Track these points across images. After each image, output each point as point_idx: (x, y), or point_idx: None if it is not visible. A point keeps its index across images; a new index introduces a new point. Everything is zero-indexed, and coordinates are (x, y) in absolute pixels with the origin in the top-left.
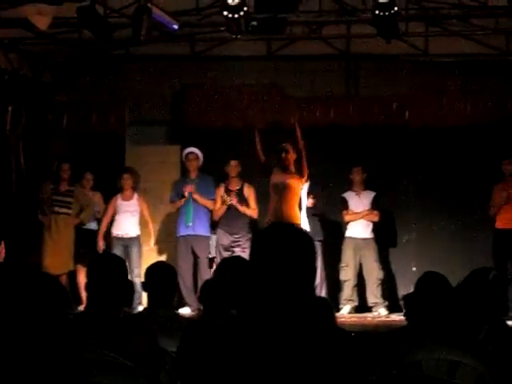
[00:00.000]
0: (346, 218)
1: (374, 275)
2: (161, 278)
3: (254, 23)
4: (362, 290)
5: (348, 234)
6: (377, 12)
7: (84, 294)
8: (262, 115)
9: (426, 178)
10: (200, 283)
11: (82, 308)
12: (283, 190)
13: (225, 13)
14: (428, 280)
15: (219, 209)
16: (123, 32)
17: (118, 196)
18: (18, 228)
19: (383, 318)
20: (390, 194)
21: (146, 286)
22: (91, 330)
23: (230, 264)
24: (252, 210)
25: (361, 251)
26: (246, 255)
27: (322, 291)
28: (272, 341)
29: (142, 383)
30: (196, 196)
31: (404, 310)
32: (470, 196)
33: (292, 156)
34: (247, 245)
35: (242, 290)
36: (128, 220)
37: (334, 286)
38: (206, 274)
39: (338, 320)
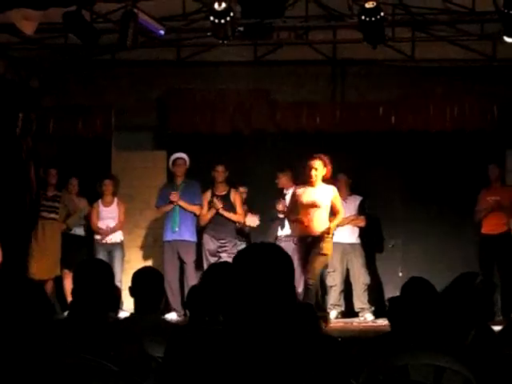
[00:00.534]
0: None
1: (360, 280)
2: (147, 283)
3: (241, 28)
4: (349, 295)
5: (335, 239)
6: (363, 17)
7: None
8: (248, 120)
9: (413, 183)
10: (186, 288)
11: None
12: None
13: (211, 18)
14: (413, 285)
15: (206, 214)
16: (109, 37)
17: (99, 202)
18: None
19: (369, 323)
20: (376, 199)
21: (132, 291)
22: (77, 335)
23: (217, 270)
24: (238, 216)
25: (347, 256)
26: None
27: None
28: (257, 349)
29: None
30: (182, 203)
31: (388, 313)
32: (457, 201)
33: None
34: (234, 250)
35: (228, 298)
36: (110, 225)
37: (321, 291)
38: (193, 279)
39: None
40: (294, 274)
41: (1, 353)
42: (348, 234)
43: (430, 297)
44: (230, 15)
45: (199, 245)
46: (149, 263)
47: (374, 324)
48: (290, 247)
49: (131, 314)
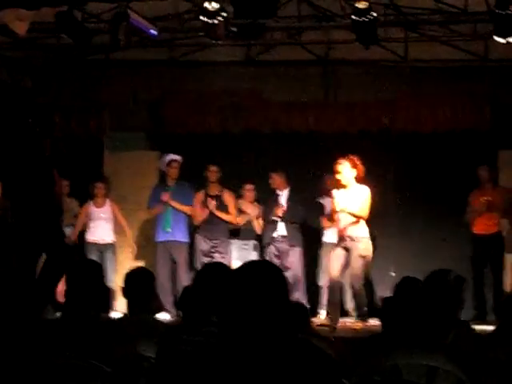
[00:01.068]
0: (325, 223)
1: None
2: (139, 283)
3: (233, 29)
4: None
5: (325, 239)
6: (355, 18)
7: (62, 300)
8: (240, 121)
9: (405, 183)
10: (179, 289)
11: (60, 314)
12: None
13: (204, 18)
14: (406, 285)
15: (200, 213)
16: (102, 37)
17: (91, 203)
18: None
19: (361, 323)
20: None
21: (124, 291)
22: (70, 335)
23: (210, 270)
24: (230, 216)
25: None
26: (225, 261)
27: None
28: (249, 353)
29: None
30: (174, 203)
31: (380, 312)
32: (449, 201)
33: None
34: (226, 250)
35: (222, 299)
36: (103, 226)
37: (312, 290)
38: (185, 279)
39: (316, 325)
40: (286, 291)
41: None
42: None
43: (422, 297)
44: (222, 15)
45: (191, 245)
46: (141, 264)
47: (366, 323)
48: (284, 248)
49: (123, 314)
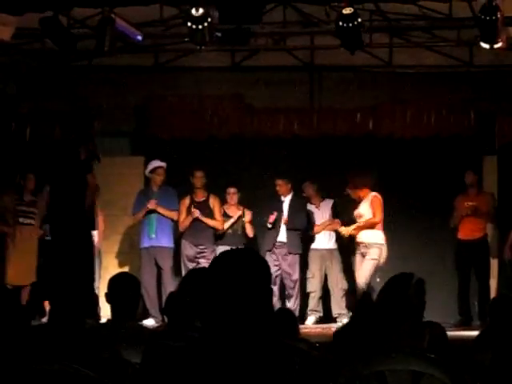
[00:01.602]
0: (314, 231)
1: (338, 286)
2: (124, 288)
3: (218, 34)
4: (327, 301)
5: (313, 245)
6: (340, 23)
7: (47, 306)
8: (225, 126)
9: (390, 188)
10: (164, 294)
11: (45, 320)
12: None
13: (189, 24)
14: (390, 290)
15: (185, 220)
16: (87, 43)
17: None
18: None
19: None
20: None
21: (109, 297)
22: (55, 341)
23: (196, 276)
24: (216, 222)
25: (326, 262)
26: None
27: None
28: (232, 357)
29: None
30: (161, 210)
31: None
32: (433, 207)
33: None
34: (212, 256)
35: (204, 305)
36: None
37: (301, 297)
38: (170, 285)
39: (303, 331)
40: (270, 279)
41: None
42: (326, 240)
43: (406, 302)
44: (207, 21)
45: (177, 251)
46: (126, 269)
47: None
48: (283, 254)
49: (108, 319)
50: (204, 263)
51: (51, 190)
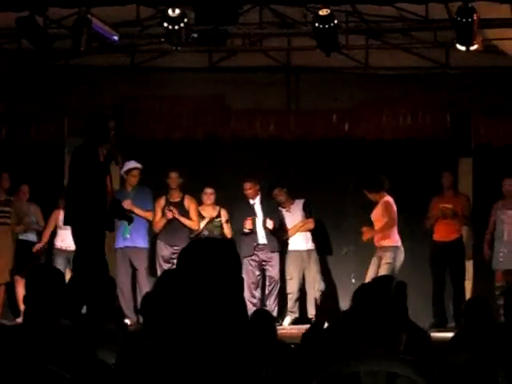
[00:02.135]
0: (288, 234)
1: (315, 287)
2: (100, 289)
3: (195, 35)
4: (303, 302)
5: (291, 247)
6: (317, 25)
7: (22, 306)
8: (202, 127)
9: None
10: (139, 295)
11: (20, 320)
12: None
13: (165, 24)
14: (364, 292)
15: (159, 220)
16: (63, 43)
17: (61, 210)
18: None
19: None
20: (329, 206)
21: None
22: (29, 342)
23: (171, 276)
24: (192, 222)
25: (304, 263)
26: None
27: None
28: (205, 354)
29: None
30: (136, 210)
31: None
32: (409, 208)
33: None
34: None
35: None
36: (70, 233)
37: (280, 298)
38: (145, 285)
39: (279, 332)
40: (240, 268)
41: None
42: (303, 241)
43: (381, 303)
44: (183, 21)
45: (151, 251)
46: None
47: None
48: (264, 256)
49: (83, 320)
50: None
51: (69, 193)
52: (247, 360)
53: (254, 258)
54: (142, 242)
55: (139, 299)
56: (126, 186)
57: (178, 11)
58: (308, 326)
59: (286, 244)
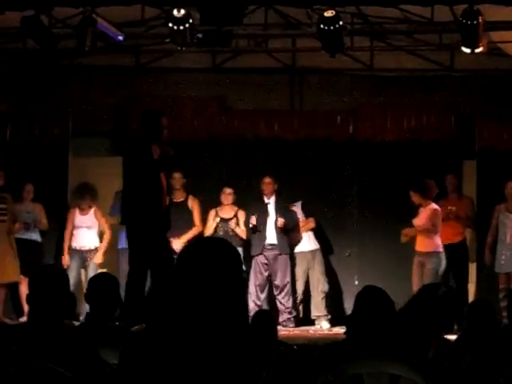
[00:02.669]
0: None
1: (319, 288)
2: (103, 289)
3: (200, 35)
4: (306, 302)
5: (297, 249)
6: (322, 26)
7: (26, 306)
8: (206, 128)
9: (369, 192)
10: None
11: (23, 319)
12: None
13: (170, 25)
14: (367, 294)
15: None
16: (68, 42)
17: (76, 210)
18: None
19: (325, 331)
20: (332, 208)
21: (88, 297)
22: (33, 341)
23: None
24: (196, 228)
25: (309, 264)
26: None
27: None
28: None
29: None
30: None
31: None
32: (412, 210)
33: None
34: None
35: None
36: (85, 233)
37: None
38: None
39: (281, 333)
40: (241, 269)
41: None
42: (307, 242)
43: (384, 305)
44: (188, 22)
45: None
46: (105, 270)
47: (330, 332)
48: (272, 256)
49: (86, 320)
50: None
51: (125, 192)
52: (248, 361)
53: (262, 258)
54: None
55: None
56: None
57: (182, 11)
58: (312, 327)
59: (294, 246)
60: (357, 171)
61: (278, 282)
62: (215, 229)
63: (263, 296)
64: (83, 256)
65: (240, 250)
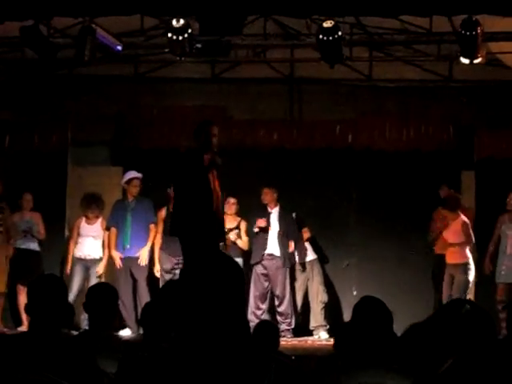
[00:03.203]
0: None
1: (318, 298)
2: (102, 299)
3: (199, 45)
4: (304, 313)
5: (296, 260)
6: (321, 36)
7: (24, 315)
8: None
9: (368, 202)
10: (139, 305)
11: (22, 329)
12: None
13: (169, 35)
14: (365, 305)
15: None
16: (67, 52)
17: (83, 219)
18: None
19: (324, 342)
20: (331, 218)
21: (86, 306)
22: (31, 351)
23: (172, 287)
24: None
25: (308, 275)
26: None
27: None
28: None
29: None
30: None
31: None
32: (411, 221)
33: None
34: None
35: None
36: (90, 243)
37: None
38: (145, 296)
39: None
40: (243, 285)
41: None
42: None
43: (382, 316)
44: (187, 32)
45: (151, 261)
46: (103, 279)
47: (329, 342)
48: (272, 267)
49: (85, 329)
50: None
51: (177, 201)
52: (248, 371)
53: (261, 269)
54: None
55: (139, 309)
56: (127, 197)
57: (182, 22)
58: (310, 337)
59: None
60: (356, 181)
61: (278, 292)
62: None
63: (264, 306)
64: (87, 265)
65: (239, 260)
